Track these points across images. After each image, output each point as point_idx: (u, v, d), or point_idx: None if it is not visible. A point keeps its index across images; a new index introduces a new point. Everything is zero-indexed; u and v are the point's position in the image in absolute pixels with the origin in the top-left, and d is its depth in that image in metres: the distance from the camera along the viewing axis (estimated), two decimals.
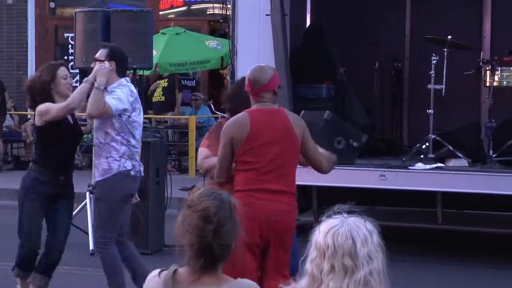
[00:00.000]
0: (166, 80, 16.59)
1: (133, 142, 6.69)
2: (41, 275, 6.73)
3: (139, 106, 6.75)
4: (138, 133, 6.76)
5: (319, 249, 2.82)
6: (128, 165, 6.66)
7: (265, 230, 5.36)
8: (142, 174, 6.90)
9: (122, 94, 6.57)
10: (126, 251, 6.87)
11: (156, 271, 3.06)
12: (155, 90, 16.51)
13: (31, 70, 17.82)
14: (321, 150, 5.70)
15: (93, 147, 6.89)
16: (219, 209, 2.93)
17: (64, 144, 6.63)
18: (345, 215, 2.86)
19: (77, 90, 6.58)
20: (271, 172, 5.42)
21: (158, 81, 16.63)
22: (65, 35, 17.92)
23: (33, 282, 6.75)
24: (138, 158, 6.77)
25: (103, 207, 6.78)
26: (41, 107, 6.49)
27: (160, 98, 16.56)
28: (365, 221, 2.84)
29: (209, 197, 2.96)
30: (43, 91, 6.53)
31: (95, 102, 6.41)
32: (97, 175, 6.75)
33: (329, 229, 2.82)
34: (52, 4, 18.45)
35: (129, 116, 6.63)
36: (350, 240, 2.79)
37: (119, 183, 6.67)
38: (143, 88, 16.60)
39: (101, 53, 6.73)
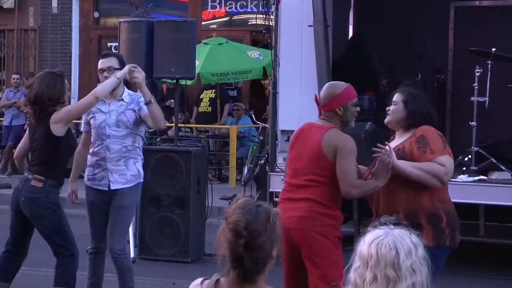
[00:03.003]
0: (214, 91, 16.67)
1: None
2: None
3: None
4: None
5: (362, 258, 2.82)
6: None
7: (287, 239, 5.39)
8: None
9: None
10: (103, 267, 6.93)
11: (199, 280, 3.07)
12: (201, 99, 16.63)
13: (75, 79, 18.04)
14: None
15: (106, 153, 6.69)
16: (251, 223, 2.92)
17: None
18: (391, 226, 2.86)
19: (105, 82, 6.55)
20: (293, 184, 5.53)
21: (205, 91, 16.71)
22: (109, 44, 18.09)
23: None
24: None
25: (129, 213, 6.86)
26: (61, 112, 6.32)
27: (207, 109, 16.65)
28: (410, 234, 2.84)
29: (243, 210, 2.96)
30: (57, 101, 6.35)
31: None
32: (121, 181, 6.69)
33: (374, 239, 2.82)
34: (96, 14, 18.65)
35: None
36: (394, 251, 2.79)
37: (141, 189, 6.93)
38: (184, 96, 16.76)
39: (111, 61, 6.74)
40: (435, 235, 5.28)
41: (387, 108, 5.59)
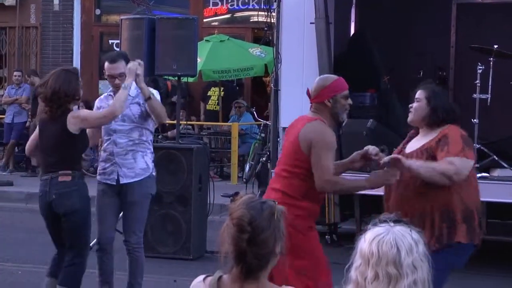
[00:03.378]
0: (223, 89, 16.65)
1: None
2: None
3: None
4: None
5: (363, 256, 2.82)
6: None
7: None
8: None
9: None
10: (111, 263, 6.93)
11: (201, 276, 3.08)
12: (209, 96, 16.63)
13: None
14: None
15: (114, 147, 6.74)
16: (255, 219, 2.93)
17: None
18: (391, 223, 2.86)
19: (118, 97, 6.53)
20: (276, 174, 5.60)
21: (213, 88, 16.71)
22: (110, 41, 18.10)
23: None
24: None
25: (141, 208, 6.86)
26: (78, 117, 6.36)
27: (215, 108, 16.63)
28: (411, 230, 2.84)
29: (248, 205, 2.97)
30: (73, 97, 6.40)
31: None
32: (131, 175, 6.73)
33: (374, 237, 2.82)
34: (97, 11, 18.64)
35: None
36: (395, 248, 2.79)
37: (155, 182, 6.92)
38: (185, 95, 16.76)
39: (120, 66, 6.70)
40: (468, 232, 5.29)
41: (410, 106, 5.51)
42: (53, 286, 6.54)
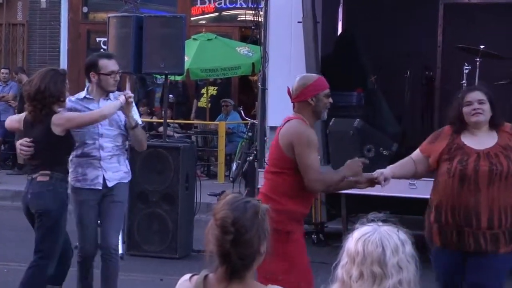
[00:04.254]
0: (216, 88, 16.66)
1: None
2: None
3: None
4: None
5: (349, 255, 2.83)
6: None
7: None
8: None
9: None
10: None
11: (187, 275, 3.07)
12: (202, 94, 16.65)
13: None
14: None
15: (100, 151, 6.62)
16: (238, 219, 2.92)
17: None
18: (379, 223, 2.87)
19: (113, 104, 6.50)
20: (265, 177, 5.62)
21: (210, 86, 16.74)
22: (97, 39, 18.05)
23: None
24: None
25: (124, 208, 6.93)
26: (62, 118, 6.28)
27: (207, 105, 16.64)
28: (398, 231, 2.84)
29: (231, 206, 2.95)
30: (58, 98, 6.30)
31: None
32: (117, 178, 6.67)
33: (361, 236, 2.84)
34: (85, 9, 18.59)
35: None
36: (380, 248, 2.80)
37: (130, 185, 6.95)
38: (180, 93, 16.76)
39: (116, 62, 6.71)
40: None
41: (474, 108, 5.44)
42: None
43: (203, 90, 16.89)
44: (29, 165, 6.58)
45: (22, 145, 6.33)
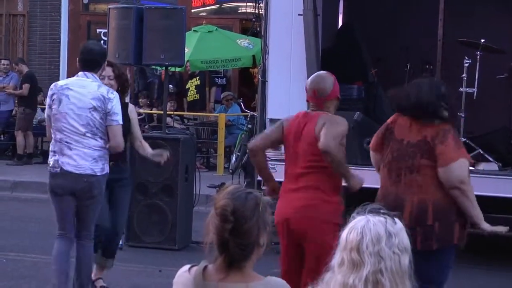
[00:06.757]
0: (198, 78, 16.68)
1: (58, 135, 6.48)
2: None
3: (57, 97, 6.58)
4: (62, 124, 6.47)
5: (339, 243, 2.88)
6: (50, 160, 6.58)
7: (287, 229, 5.52)
8: (64, 169, 6.43)
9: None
10: (81, 250, 6.69)
11: (186, 266, 3.08)
12: (188, 89, 16.66)
13: (63, 65, 17.97)
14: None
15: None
16: (238, 208, 2.94)
17: None
18: (374, 214, 2.89)
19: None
20: (292, 173, 5.63)
21: (190, 80, 16.74)
22: (98, 30, 18.05)
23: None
24: (69, 151, 6.44)
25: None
26: None
27: (195, 97, 16.68)
28: (386, 222, 2.86)
29: (232, 195, 2.97)
30: None
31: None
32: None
33: (350, 226, 2.88)
34: (85, 0, 18.58)
35: (51, 109, 6.56)
36: (360, 235, 2.83)
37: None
38: (178, 83, 16.76)
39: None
40: None
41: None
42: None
43: (188, 85, 16.87)
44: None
45: None
